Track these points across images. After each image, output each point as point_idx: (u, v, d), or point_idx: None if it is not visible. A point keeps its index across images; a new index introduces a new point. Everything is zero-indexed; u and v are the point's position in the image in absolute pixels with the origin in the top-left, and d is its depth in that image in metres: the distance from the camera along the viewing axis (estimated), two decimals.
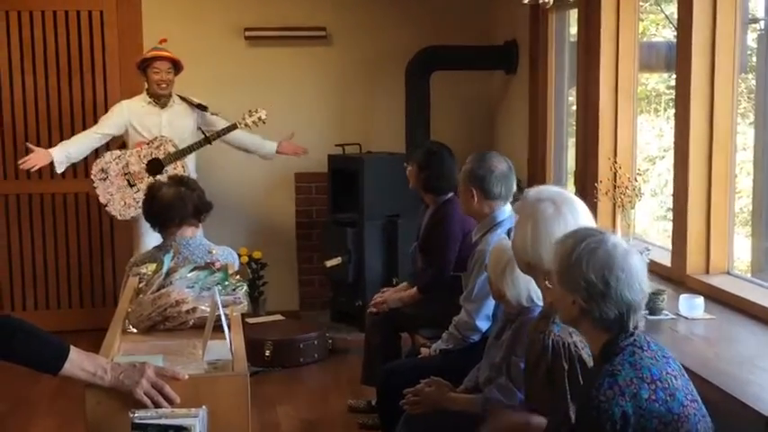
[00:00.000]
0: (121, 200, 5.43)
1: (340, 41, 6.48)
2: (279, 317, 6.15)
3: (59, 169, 5.50)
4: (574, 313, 2.26)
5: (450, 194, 4.52)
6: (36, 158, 5.41)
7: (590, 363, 2.45)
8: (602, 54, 4.70)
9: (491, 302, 3.66)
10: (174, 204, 3.64)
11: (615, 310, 2.20)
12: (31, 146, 5.51)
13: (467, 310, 3.78)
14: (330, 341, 5.75)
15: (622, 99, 4.75)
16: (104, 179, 5.44)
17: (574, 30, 5.37)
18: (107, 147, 5.70)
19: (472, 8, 6.51)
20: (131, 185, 5.42)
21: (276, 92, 6.35)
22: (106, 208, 5.48)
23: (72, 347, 2.24)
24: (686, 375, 2.26)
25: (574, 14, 5.29)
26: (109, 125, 5.58)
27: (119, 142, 5.72)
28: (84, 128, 5.97)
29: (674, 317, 3.43)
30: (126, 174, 5.43)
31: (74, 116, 6.22)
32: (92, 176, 5.47)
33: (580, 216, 2.70)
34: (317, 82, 6.51)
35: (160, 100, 5.56)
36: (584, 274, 2.20)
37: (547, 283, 2.58)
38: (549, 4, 4.54)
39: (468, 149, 4.93)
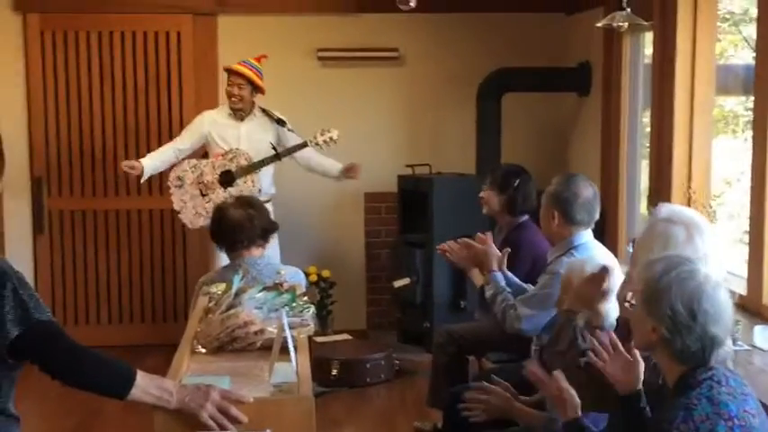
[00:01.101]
0: (193, 208, 5.51)
1: (412, 62, 6.50)
2: (346, 336, 6.16)
3: (143, 179, 5.64)
4: (652, 340, 2.20)
5: (526, 217, 4.49)
6: (133, 165, 5.55)
7: None
8: (678, 76, 4.62)
9: (547, 316, 3.67)
10: (243, 226, 3.68)
11: (698, 344, 2.14)
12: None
13: (521, 313, 3.78)
14: (397, 362, 5.73)
15: (698, 122, 4.65)
16: (180, 186, 5.54)
17: (649, 51, 5.30)
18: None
19: (545, 30, 6.48)
20: (203, 195, 5.50)
21: (348, 112, 6.39)
22: (179, 215, 5.58)
23: (138, 372, 2.28)
24: (765, 414, 2.19)
25: (649, 36, 5.21)
26: (186, 138, 5.68)
27: (201, 152, 5.81)
28: (160, 146, 6.11)
29: (748, 348, 3.34)
30: (200, 183, 5.51)
31: (149, 134, 6.34)
32: (168, 183, 5.58)
33: (710, 244, 2.66)
34: (389, 102, 6.54)
35: (237, 113, 5.63)
36: (671, 303, 2.15)
37: (630, 300, 2.54)
38: (623, 28, 4.49)
39: (539, 172, 4.90)
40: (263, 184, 5.58)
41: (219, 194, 5.36)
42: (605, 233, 5.28)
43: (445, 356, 4.53)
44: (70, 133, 6.31)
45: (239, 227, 3.68)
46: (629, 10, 4.49)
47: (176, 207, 5.56)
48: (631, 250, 2.95)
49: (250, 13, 6.34)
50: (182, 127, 6.15)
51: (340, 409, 5.10)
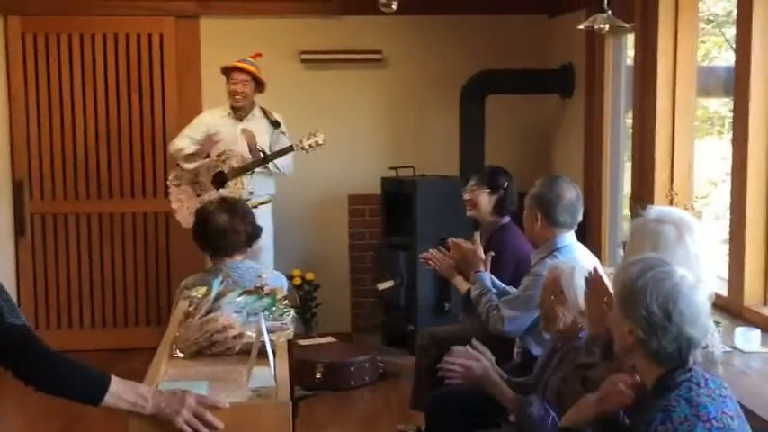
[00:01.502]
0: (188, 208, 5.52)
1: (395, 65, 6.50)
2: (330, 339, 6.14)
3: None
4: (629, 342, 2.20)
5: (508, 219, 4.50)
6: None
7: None
8: (659, 78, 4.63)
9: (530, 317, 3.69)
10: (227, 233, 3.64)
11: (674, 345, 2.14)
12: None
13: (504, 314, 3.78)
14: (381, 364, 5.72)
15: (680, 123, 4.67)
16: (178, 185, 5.60)
17: (632, 52, 5.31)
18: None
19: (528, 32, 6.49)
20: (198, 195, 5.52)
21: (331, 114, 6.38)
22: (175, 213, 5.63)
23: (113, 377, 2.26)
24: (743, 416, 2.18)
25: (631, 39, 5.23)
26: (185, 136, 5.67)
27: (204, 153, 5.78)
28: (142, 149, 6.10)
29: (729, 350, 3.33)
30: (194, 183, 5.54)
31: (132, 137, 6.32)
32: (168, 182, 5.64)
33: (700, 244, 2.65)
34: (372, 105, 6.53)
35: (237, 112, 5.61)
36: (646, 303, 2.14)
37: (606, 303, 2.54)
38: (604, 30, 4.49)
39: (523, 174, 4.90)
40: (258, 185, 5.57)
41: (212, 195, 5.35)
42: (588, 235, 5.29)
43: (428, 359, 4.51)
44: (52, 136, 6.28)
45: (223, 235, 3.64)
46: (610, 12, 4.50)
47: (173, 206, 5.62)
48: (622, 253, 2.94)
49: (232, 15, 6.32)
50: (164, 129, 6.17)
51: (324, 412, 5.09)
